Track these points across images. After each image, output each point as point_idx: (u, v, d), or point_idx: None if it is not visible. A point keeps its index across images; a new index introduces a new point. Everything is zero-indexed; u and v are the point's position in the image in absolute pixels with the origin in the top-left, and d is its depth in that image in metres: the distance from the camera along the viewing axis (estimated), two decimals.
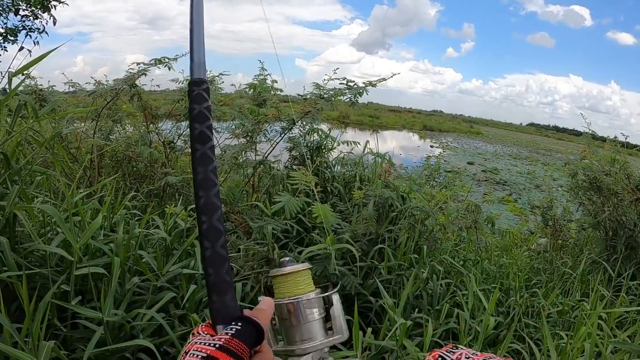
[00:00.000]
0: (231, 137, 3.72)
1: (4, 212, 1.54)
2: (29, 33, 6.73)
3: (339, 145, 3.77)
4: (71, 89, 4.03)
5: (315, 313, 0.61)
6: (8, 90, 1.68)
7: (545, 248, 4.48)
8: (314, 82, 3.34)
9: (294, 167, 3.47)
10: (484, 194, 11.04)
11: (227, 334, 0.47)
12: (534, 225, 6.47)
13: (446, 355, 0.54)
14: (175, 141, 4.09)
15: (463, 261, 3.08)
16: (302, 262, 0.64)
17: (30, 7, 6.53)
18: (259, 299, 0.56)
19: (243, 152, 3.41)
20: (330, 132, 3.76)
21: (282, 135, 3.39)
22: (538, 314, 2.60)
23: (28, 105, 1.74)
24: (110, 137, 3.93)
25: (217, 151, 3.59)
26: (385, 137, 23.01)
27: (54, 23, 6.74)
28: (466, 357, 0.52)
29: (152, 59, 3.42)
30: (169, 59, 3.45)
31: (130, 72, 3.41)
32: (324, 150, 3.61)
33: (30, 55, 4.66)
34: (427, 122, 44.91)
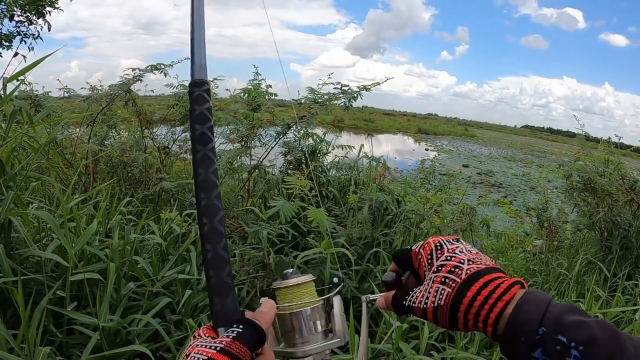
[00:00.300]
0: (226, 142, 3.71)
1: None
2: (23, 39, 6.71)
3: (333, 149, 3.78)
4: (66, 95, 4.02)
5: (319, 325, 0.60)
6: (3, 96, 1.68)
7: (541, 249, 4.50)
8: (308, 87, 3.34)
9: (289, 171, 3.47)
10: (480, 197, 11.07)
11: (228, 336, 0.47)
12: (529, 227, 6.51)
13: (445, 242, 0.56)
14: (170, 146, 4.08)
15: None
16: (306, 273, 0.64)
17: (25, 13, 6.51)
18: (261, 300, 0.56)
19: (238, 157, 3.40)
20: (325, 136, 3.76)
21: (277, 140, 3.39)
22: None
23: (23, 111, 1.73)
24: (105, 142, 3.92)
25: None
26: (380, 140, 23.07)
27: (49, 29, 6.73)
28: (460, 251, 0.54)
29: (148, 66, 3.42)
30: (164, 65, 3.45)
31: (126, 78, 3.40)
32: (318, 155, 3.61)
33: (25, 61, 4.65)
34: (422, 125, 45.10)
